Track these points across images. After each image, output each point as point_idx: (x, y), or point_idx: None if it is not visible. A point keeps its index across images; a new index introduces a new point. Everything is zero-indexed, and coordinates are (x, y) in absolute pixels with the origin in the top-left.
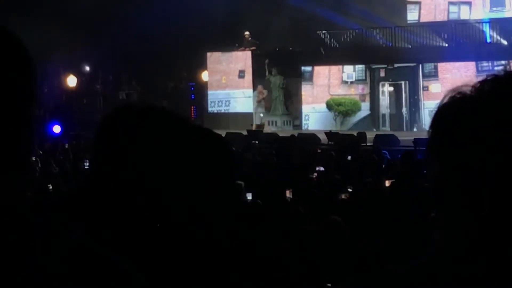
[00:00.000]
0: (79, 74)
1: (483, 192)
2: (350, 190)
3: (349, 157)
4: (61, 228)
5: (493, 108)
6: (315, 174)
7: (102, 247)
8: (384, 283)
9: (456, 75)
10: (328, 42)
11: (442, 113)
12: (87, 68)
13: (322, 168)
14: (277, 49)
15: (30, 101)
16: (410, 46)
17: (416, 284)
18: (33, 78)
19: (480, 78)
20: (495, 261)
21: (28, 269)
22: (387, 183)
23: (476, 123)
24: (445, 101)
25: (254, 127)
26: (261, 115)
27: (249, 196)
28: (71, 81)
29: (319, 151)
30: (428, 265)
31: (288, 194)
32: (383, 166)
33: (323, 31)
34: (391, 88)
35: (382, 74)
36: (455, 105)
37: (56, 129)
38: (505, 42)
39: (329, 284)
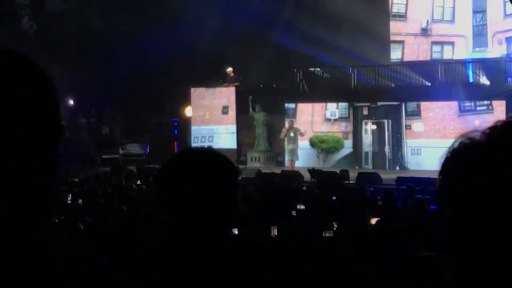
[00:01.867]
0: (63, 107)
1: (496, 240)
2: (334, 228)
3: (333, 197)
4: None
5: (504, 156)
6: (294, 212)
7: None
8: None
9: (439, 114)
10: (312, 79)
11: (453, 159)
12: (71, 102)
13: (302, 206)
14: (261, 85)
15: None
16: (393, 85)
17: None
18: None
19: (462, 118)
20: None
21: None
22: (373, 221)
23: (488, 170)
24: (455, 146)
25: (290, 166)
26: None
27: (235, 231)
28: None
29: (304, 188)
30: None
31: (273, 231)
32: (367, 204)
33: (307, 68)
34: (374, 126)
35: (365, 112)
36: (466, 152)
37: None
38: (487, 82)
39: None
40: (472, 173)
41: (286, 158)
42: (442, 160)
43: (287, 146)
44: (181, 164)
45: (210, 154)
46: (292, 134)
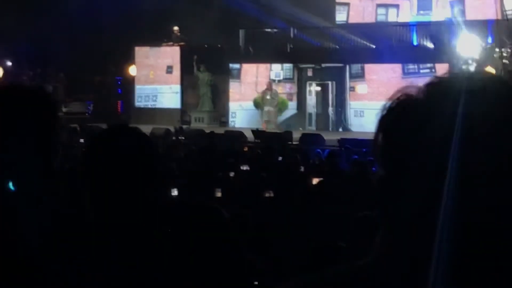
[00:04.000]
0: (2, 66)
1: (431, 196)
2: (275, 188)
3: (277, 156)
4: None
5: (442, 112)
6: (232, 173)
7: None
8: (329, 283)
9: (383, 77)
10: (257, 40)
11: (391, 116)
12: (9, 64)
13: (247, 167)
14: (206, 45)
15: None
16: (337, 47)
17: (365, 284)
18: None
19: (406, 80)
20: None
21: None
22: (314, 181)
23: (425, 127)
24: (393, 103)
25: (264, 128)
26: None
27: (174, 192)
28: None
29: (245, 149)
30: (374, 264)
31: (216, 193)
32: (310, 164)
33: (252, 29)
34: (318, 88)
35: (310, 73)
36: (405, 108)
37: None
38: (431, 46)
39: (256, 283)
40: (410, 129)
41: (263, 118)
42: (379, 117)
43: (264, 108)
44: (103, 143)
45: (127, 133)
46: (268, 97)
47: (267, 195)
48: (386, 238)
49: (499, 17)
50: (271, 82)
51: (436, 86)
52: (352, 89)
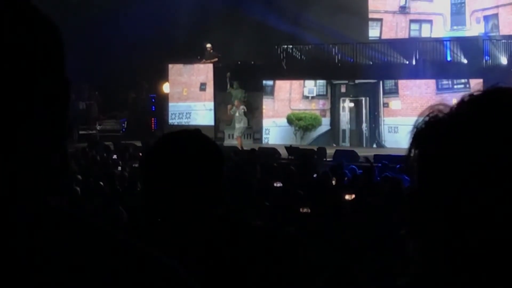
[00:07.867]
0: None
1: (467, 217)
2: (310, 204)
3: (310, 172)
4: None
5: (470, 131)
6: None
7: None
8: None
9: (416, 93)
10: (290, 56)
11: (424, 131)
12: None
13: (280, 184)
14: (239, 62)
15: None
16: (371, 63)
17: None
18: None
19: (440, 96)
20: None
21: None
22: (348, 197)
23: (458, 143)
24: (426, 119)
25: (238, 143)
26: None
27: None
28: None
29: (275, 164)
30: (412, 285)
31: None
32: (344, 181)
33: (285, 46)
34: (352, 104)
35: (343, 89)
36: (438, 124)
37: None
38: (465, 61)
39: None
40: (442, 145)
41: (235, 134)
42: (412, 133)
43: (236, 125)
44: (169, 147)
45: (199, 138)
46: (237, 114)
47: (304, 210)
48: (419, 259)
49: None
50: (240, 101)
51: (469, 102)
52: (386, 105)
